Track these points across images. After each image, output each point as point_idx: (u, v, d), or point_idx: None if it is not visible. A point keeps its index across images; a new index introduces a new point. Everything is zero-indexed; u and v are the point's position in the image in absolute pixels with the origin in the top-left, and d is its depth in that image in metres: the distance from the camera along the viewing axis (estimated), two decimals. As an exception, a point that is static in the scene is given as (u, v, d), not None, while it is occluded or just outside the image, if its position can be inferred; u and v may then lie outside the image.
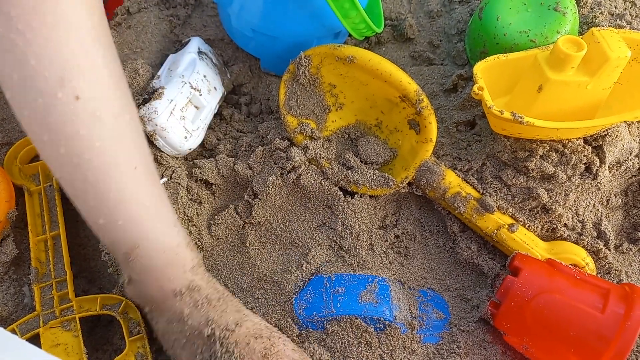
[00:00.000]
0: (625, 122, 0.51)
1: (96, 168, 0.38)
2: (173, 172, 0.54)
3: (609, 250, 0.53)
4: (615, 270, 0.53)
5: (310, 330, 0.48)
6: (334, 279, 0.50)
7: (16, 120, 0.40)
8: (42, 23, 0.36)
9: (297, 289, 0.50)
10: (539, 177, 0.51)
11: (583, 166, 0.51)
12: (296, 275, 0.51)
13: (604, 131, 0.51)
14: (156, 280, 0.42)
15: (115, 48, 0.42)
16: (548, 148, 0.50)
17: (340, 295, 0.49)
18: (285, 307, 0.49)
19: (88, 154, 0.38)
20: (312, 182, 0.54)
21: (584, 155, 0.50)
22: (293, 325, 0.48)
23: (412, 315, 0.50)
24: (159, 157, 0.54)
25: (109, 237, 0.41)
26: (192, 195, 0.54)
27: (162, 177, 0.53)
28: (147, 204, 0.41)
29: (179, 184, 0.53)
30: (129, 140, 0.40)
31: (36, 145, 0.40)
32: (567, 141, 0.50)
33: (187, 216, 0.53)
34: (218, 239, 0.54)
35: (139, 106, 0.52)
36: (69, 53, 0.37)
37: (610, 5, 0.64)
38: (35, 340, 0.47)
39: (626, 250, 0.55)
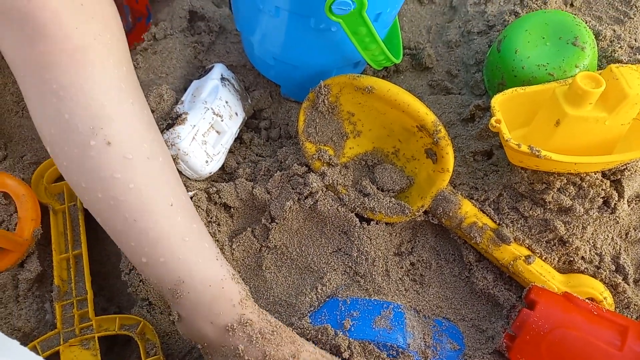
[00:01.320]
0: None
1: (133, 208, 0.40)
2: (194, 194, 0.55)
3: (628, 284, 0.52)
4: (635, 305, 0.52)
5: None
6: (349, 302, 0.51)
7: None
8: (72, 81, 0.39)
9: (312, 309, 0.51)
10: (556, 209, 0.51)
11: (601, 200, 0.51)
12: (311, 297, 0.52)
13: (622, 165, 0.51)
14: (205, 316, 0.42)
15: (143, 93, 0.45)
16: (565, 181, 0.50)
17: (354, 319, 0.49)
18: (298, 324, 0.50)
19: (124, 195, 0.40)
20: (329, 208, 0.55)
21: (602, 189, 0.50)
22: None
23: (425, 345, 0.50)
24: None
25: (153, 274, 0.42)
26: (210, 218, 0.55)
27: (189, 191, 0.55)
28: (187, 239, 0.42)
29: (199, 206, 0.54)
30: (162, 181, 0.42)
31: (77, 193, 0.42)
32: (584, 175, 0.50)
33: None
34: (235, 261, 0.55)
35: (162, 131, 0.53)
36: (99, 105, 0.40)
37: (630, 38, 0.64)
38: (55, 357, 0.48)
39: (645, 285, 0.54)
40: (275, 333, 0.43)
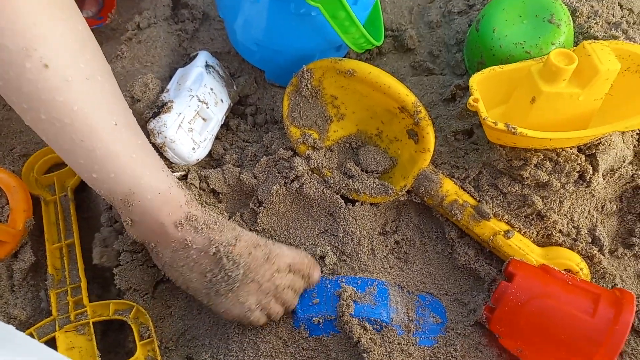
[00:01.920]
0: (618, 131, 0.52)
1: (78, 130, 0.41)
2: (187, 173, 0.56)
3: (604, 255, 0.54)
4: (610, 275, 0.54)
5: (307, 328, 0.51)
6: (334, 280, 0.52)
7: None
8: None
9: None
10: (533, 185, 0.53)
11: (577, 174, 0.52)
12: None
13: (597, 140, 0.52)
14: (156, 218, 0.46)
15: (78, 9, 0.44)
16: (542, 157, 0.52)
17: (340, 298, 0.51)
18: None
19: (68, 117, 0.41)
20: (315, 190, 0.56)
21: (578, 164, 0.52)
22: (291, 320, 0.51)
23: (409, 319, 0.51)
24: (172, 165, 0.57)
25: (105, 188, 0.45)
26: (200, 203, 0.57)
27: (180, 172, 0.57)
28: (134, 155, 0.45)
29: (193, 184, 0.56)
30: (105, 100, 0.43)
31: (18, 112, 0.42)
32: (560, 150, 0.52)
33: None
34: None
35: (149, 120, 0.54)
36: (30, 24, 0.39)
37: (608, 13, 0.65)
38: (51, 343, 0.50)
39: (621, 255, 0.56)
40: (218, 223, 0.48)
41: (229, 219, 0.56)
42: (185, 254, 0.47)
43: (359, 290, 0.51)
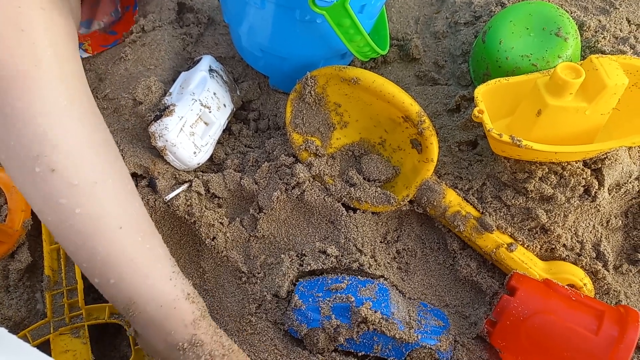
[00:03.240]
0: (624, 146, 0.52)
1: (80, 232, 0.41)
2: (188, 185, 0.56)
3: (608, 271, 0.54)
4: (614, 291, 0.54)
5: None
6: (335, 277, 0.52)
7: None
8: (14, 108, 0.39)
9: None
10: (538, 198, 0.52)
11: (582, 188, 0.51)
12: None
13: (603, 154, 0.52)
14: (158, 334, 0.43)
15: (99, 114, 0.45)
16: (547, 170, 0.51)
17: (340, 292, 0.50)
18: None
19: (71, 220, 0.41)
20: (316, 198, 0.56)
21: (583, 178, 0.51)
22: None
23: (410, 317, 0.51)
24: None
25: (107, 294, 0.44)
26: (201, 208, 0.56)
27: (182, 184, 0.56)
28: (137, 262, 0.43)
29: (198, 192, 0.55)
30: (111, 204, 0.43)
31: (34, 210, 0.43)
32: (566, 164, 0.51)
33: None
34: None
35: (150, 122, 0.54)
36: (41, 132, 0.40)
37: (615, 28, 0.65)
38: (45, 346, 0.49)
39: (626, 271, 0.55)
40: (225, 357, 0.44)
41: (229, 224, 0.56)
42: None
43: (360, 285, 0.50)
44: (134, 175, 0.56)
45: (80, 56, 0.63)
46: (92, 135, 0.43)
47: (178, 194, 0.54)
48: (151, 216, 0.54)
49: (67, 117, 0.42)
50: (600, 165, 0.52)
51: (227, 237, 0.55)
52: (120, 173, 0.45)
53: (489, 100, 0.52)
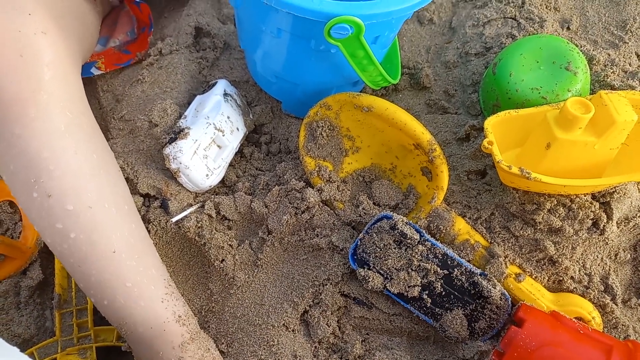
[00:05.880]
0: (633, 181, 0.52)
1: (74, 256, 0.43)
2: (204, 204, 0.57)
3: (616, 304, 0.53)
4: (623, 325, 0.53)
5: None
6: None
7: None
8: (13, 134, 0.41)
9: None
10: (546, 229, 0.52)
11: (590, 221, 0.52)
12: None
13: (612, 188, 0.52)
14: (148, 353, 0.45)
15: (100, 135, 0.47)
16: (556, 202, 0.52)
17: None
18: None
19: (66, 243, 0.42)
20: (325, 222, 0.56)
21: (591, 211, 0.51)
22: None
23: None
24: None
25: (103, 312, 0.45)
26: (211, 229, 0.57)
27: (193, 205, 0.57)
28: (128, 284, 0.44)
29: (210, 215, 0.56)
30: (107, 228, 0.44)
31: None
32: (574, 196, 0.52)
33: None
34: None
35: (165, 145, 0.55)
36: (39, 158, 0.41)
37: (625, 62, 0.66)
38: (52, 364, 0.49)
39: (634, 305, 0.55)
40: None
41: (238, 246, 0.56)
42: None
43: None
44: (146, 196, 0.57)
45: (93, 73, 0.65)
46: (89, 159, 0.44)
47: (188, 216, 0.54)
48: (162, 237, 0.55)
49: (64, 141, 0.43)
50: (609, 199, 0.52)
51: (236, 260, 0.56)
52: (118, 195, 0.46)
53: (498, 131, 0.53)
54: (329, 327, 0.53)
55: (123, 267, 0.44)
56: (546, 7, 0.72)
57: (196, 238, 0.55)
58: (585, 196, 0.52)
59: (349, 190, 0.59)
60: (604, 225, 0.52)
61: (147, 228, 0.54)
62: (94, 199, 0.43)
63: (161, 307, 0.45)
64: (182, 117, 0.59)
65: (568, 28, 0.72)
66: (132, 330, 0.44)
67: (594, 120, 0.47)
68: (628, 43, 0.69)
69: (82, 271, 0.43)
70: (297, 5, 0.45)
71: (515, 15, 0.70)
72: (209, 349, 0.47)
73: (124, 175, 0.56)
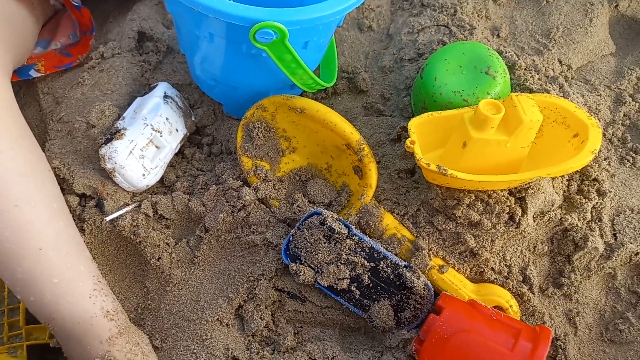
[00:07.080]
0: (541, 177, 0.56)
1: (1, 254, 0.44)
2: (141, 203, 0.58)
3: (533, 293, 0.57)
4: (539, 312, 0.57)
5: None
6: None
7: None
8: None
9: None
10: (466, 223, 0.56)
11: (507, 215, 0.55)
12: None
13: (527, 184, 0.56)
14: (76, 348, 0.46)
15: (30, 136, 0.50)
16: (474, 198, 0.55)
17: None
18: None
19: None
20: (260, 220, 0.58)
21: (507, 206, 0.55)
22: None
23: None
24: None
25: (31, 309, 0.46)
26: (148, 228, 0.58)
27: (129, 204, 0.57)
28: (54, 280, 0.45)
29: (147, 214, 0.57)
30: (32, 226, 0.45)
31: None
32: (491, 192, 0.55)
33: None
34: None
35: (101, 145, 0.56)
36: None
37: (547, 68, 0.70)
38: (-18, 363, 0.49)
39: (551, 294, 0.59)
40: None
41: (175, 244, 0.58)
42: None
43: None
44: (82, 196, 0.57)
45: (32, 76, 0.65)
46: (16, 159, 0.46)
47: (123, 215, 0.55)
48: (97, 236, 0.56)
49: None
50: (524, 194, 0.56)
51: (173, 258, 0.57)
52: (46, 194, 0.48)
53: (423, 131, 0.56)
54: (262, 320, 0.54)
55: (50, 264, 0.45)
56: (477, 16, 0.77)
57: (132, 237, 0.56)
58: (501, 192, 0.55)
59: (285, 189, 0.61)
60: (519, 219, 0.55)
61: (82, 227, 0.55)
62: (20, 197, 0.44)
63: (89, 303, 0.46)
64: (120, 118, 0.60)
65: (498, 35, 0.77)
66: (61, 325, 0.45)
67: (505, 120, 0.51)
68: (552, 50, 0.73)
69: (8, 270, 0.44)
70: (222, 11, 0.47)
71: (448, 23, 0.74)
72: (138, 343, 0.48)
73: (60, 176, 0.57)
